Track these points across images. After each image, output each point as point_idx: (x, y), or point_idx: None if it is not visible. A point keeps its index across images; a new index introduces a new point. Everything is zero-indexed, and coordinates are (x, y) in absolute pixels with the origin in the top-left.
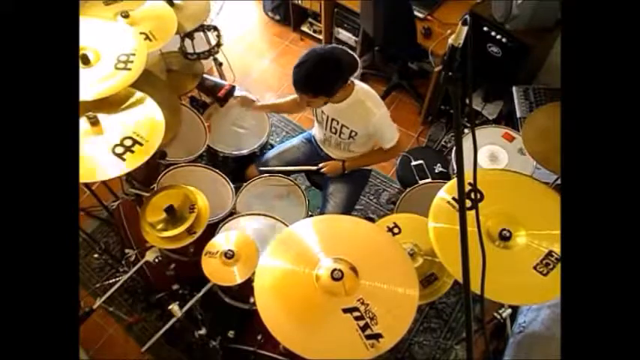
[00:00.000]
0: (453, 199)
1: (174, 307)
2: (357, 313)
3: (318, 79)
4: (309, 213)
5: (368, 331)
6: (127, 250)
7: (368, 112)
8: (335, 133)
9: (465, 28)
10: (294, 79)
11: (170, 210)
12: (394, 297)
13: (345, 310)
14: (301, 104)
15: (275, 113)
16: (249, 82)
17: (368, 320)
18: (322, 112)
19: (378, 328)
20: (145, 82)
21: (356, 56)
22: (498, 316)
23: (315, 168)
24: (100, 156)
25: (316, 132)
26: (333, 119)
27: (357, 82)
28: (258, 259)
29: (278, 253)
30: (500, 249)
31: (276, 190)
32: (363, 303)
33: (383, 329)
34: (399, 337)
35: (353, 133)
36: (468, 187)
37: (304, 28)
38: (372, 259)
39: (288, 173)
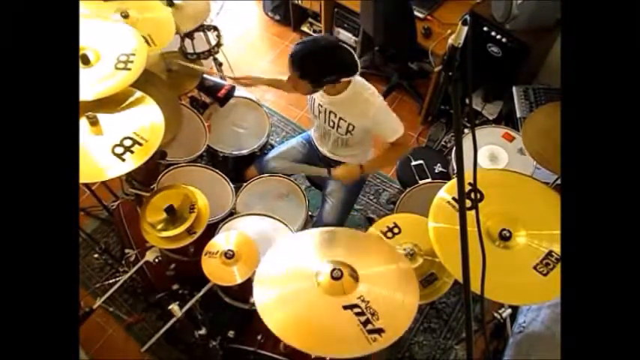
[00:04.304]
0: (453, 199)
1: (174, 307)
2: (357, 310)
3: (311, 64)
4: (309, 213)
5: (369, 326)
6: (127, 250)
7: (366, 103)
8: (332, 127)
9: (465, 28)
10: (291, 51)
11: (170, 210)
12: (393, 302)
13: (346, 307)
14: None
15: (272, 87)
16: None
17: (369, 316)
18: (319, 104)
19: (379, 323)
20: (145, 82)
21: (358, 61)
22: (498, 316)
23: (324, 173)
24: (100, 156)
25: (314, 129)
26: (330, 112)
27: (355, 76)
28: (258, 259)
29: (274, 283)
30: (500, 249)
31: (276, 190)
32: (363, 300)
33: (384, 324)
34: (402, 331)
35: (350, 127)
36: (468, 187)
37: (304, 28)
38: (372, 267)
39: (290, 174)
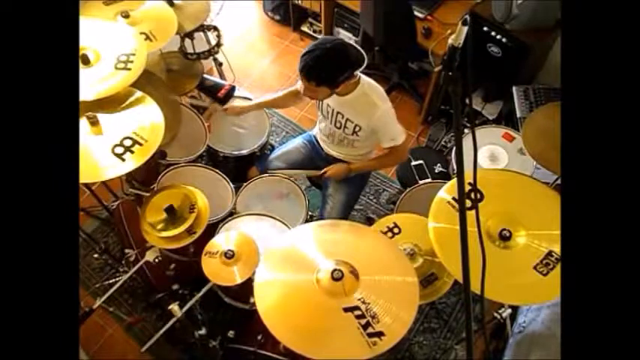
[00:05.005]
0: (453, 199)
1: (174, 307)
2: (358, 312)
3: (325, 68)
4: (309, 213)
5: (369, 330)
6: (127, 250)
7: (372, 106)
8: (339, 128)
9: (465, 28)
10: (300, 65)
11: (170, 210)
12: (394, 290)
13: (346, 310)
14: (297, 97)
15: (274, 109)
16: (249, 83)
17: (369, 319)
18: (327, 105)
19: (379, 326)
20: (145, 82)
21: (362, 51)
22: (498, 316)
23: (319, 173)
24: (100, 156)
25: (319, 129)
26: (338, 112)
27: (363, 76)
28: (259, 259)
29: (277, 264)
30: (500, 249)
31: (276, 190)
32: (363, 302)
33: (384, 327)
34: (401, 334)
35: (357, 128)
36: (468, 187)
37: (304, 28)
38: (370, 259)
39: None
